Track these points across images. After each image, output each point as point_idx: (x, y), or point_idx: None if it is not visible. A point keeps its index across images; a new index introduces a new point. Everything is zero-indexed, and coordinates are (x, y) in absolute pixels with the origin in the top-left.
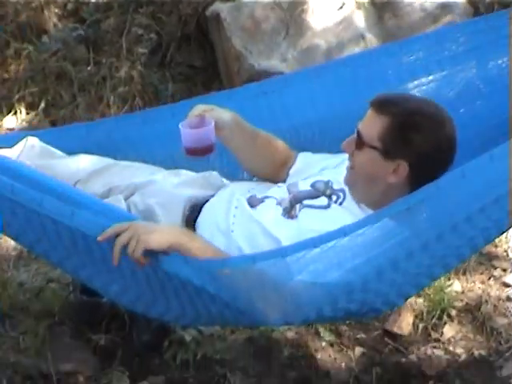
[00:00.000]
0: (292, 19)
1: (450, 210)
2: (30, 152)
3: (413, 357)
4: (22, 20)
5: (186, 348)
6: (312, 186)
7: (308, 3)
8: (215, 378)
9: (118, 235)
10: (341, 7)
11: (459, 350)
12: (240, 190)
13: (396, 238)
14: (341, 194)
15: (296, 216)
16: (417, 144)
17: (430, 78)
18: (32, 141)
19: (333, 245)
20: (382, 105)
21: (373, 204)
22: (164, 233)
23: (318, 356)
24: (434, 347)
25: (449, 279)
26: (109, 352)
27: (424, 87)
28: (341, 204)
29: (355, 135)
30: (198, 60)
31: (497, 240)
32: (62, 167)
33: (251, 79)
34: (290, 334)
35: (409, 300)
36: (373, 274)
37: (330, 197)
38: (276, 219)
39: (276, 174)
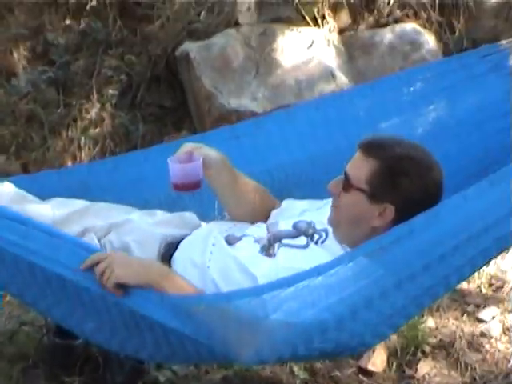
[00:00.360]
0: (262, 58)
1: (424, 250)
2: (3, 197)
3: None
4: None
5: None
6: (294, 226)
7: (277, 41)
8: None
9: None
10: (310, 45)
11: None
12: (218, 229)
13: (370, 277)
14: (323, 234)
15: (274, 255)
16: (405, 189)
17: (403, 118)
18: (7, 187)
19: (307, 284)
20: (370, 148)
21: (355, 245)
22: (139, 269)
23: None
24: None
25: (422, 316)
26: None
27: (397, 127)
28: (322, 243)
29: (342, 176)
30: (168, 100)
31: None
32: (37, 211)
33: (222, 118)
34: (265, 373)
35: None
36: (347, 312)
37: (311, 236)
38: (253, 256)
39: (257, 219)
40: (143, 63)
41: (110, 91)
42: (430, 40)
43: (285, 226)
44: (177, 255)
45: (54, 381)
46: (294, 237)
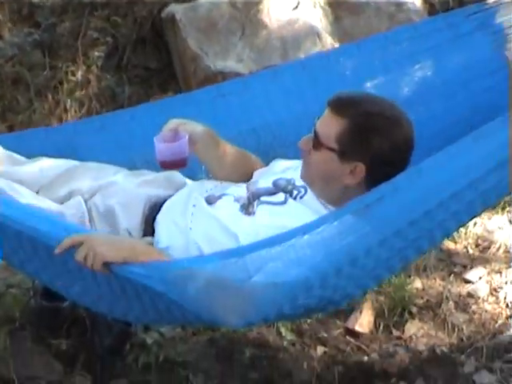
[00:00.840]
0: (247, 19)
1: (408, 207)
2: None
3: (375, 355)
4: None
5: (148, 351)
6: (273, 183)
7: (263, 3)
8: (177, 380)
9: (74, 246)
10: (296, 7)
11: (421, 347)
12: (198, 189)
13: (354, 235)
14: (302, 190)
15: (253, 212)
16: (374, 146)
17: (389, 77)
18: None
19: (292, 243)
20: (339, 106)
21: (332, 201)
22: (118, 247)
23: (280, 356)
24: (396, 345)
25: (409, 276)
26: (71, 357)
27: (383, 87)
28: (301, 198)
29: (312, 134)
30: (154, 62)
31: (456, 236)
32: (25, 173)
33: (207, 80)
34: (252, 335)
35: (370, 298)
36: (332, 270)
37: (290, 192)
38: (233, 215)
39: (241, 180)
40: (129, 25)
41: (96, 53)
42: (415, 1)
43: (264, 183)
44: (160, 217)
45: (40, 343)
46: (272, 194)
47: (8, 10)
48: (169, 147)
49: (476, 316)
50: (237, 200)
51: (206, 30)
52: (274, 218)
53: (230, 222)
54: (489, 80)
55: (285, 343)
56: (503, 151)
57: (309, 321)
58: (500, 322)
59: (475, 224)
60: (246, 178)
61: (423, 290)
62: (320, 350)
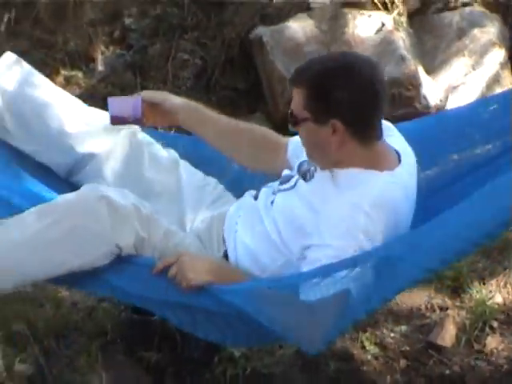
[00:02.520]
0: (333, 41)
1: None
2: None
3: (456, 368)
4: (71, 48)
5: (236, 363)
6: (298, 167)
7: (349, 25)
8: None
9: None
10: (380, 29)
11: (501, 361)
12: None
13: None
14: (312, 169)
15: (273, 202)
16: (339, 99)
17: None
18: None
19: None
20: (295, 78)
21: (337, 164)
22: (203, 272)
23: (364, 369)
24: (477, 358)
25: (490, 292)
26: (161, 369)
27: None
28: (312, 177)
29: (290, 118)
30: (242, 83)
31: None
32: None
33: None
34: (336, 348)
35: (452, 313)
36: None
37: (304, 175)
38: (266, 207)
39: (269, 162)
40: (217, 47)
41: (185, 74)
42: (496, 23)
43: (288, 170)
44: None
45: (132, 356)
46: (286, 181)
47: (101, 33)
48: (117, 102)
49: None
50: (272, 191)
51: (292, 51)
52: (284, 204)
53: (264, 213)
54: None
55: (368, 357)
56: None
57: (392, 335)
58: None
59: None
60: (265, 152)
61: (504, 304)
62: (403, 363)
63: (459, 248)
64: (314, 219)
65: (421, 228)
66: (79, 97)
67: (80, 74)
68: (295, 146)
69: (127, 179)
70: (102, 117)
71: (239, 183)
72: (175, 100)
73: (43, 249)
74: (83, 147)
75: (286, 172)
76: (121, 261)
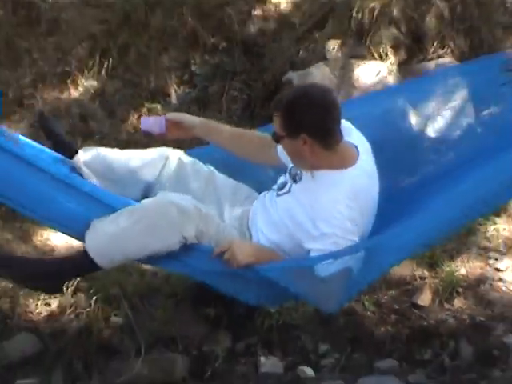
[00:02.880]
0: (342, 83)
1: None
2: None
3: (432, 322)
4: (152, 87)
5: (271, 317)
6: (289, 172)
7: (354, 72)
8: (292, 338)
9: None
10: (377, 74)
11: (465, 316)
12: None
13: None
14: (299, 172)
15: (276, 202)
16: (302, 119)
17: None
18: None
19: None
20: (273, 107)
21: (313, 167)
22: (248, 255)
23: (365, 321)
24: (447, 315)
25: (457, 266)
26: (217, 321)
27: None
28: (300, 179)
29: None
30: None
31: (490, 236)
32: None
33: None
34: (344, 307)
35: (429, 281)
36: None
37: (294, 178)
38: (272, 206)
39: (264, 156)
40: (259, 87)
41: (235, 107)
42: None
43: (282, 177)
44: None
45: (196, 311)
46: (282, 187)
47: (174, 76)
48: (147, 120)
49: (505, 295)
50: (277, 194)
51: None
52: (284, 206)
53: (272, 211)
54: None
55: (368, 313)
56: None
57: (385, 297)
58: None
59: (504, 229)
60: (257, 149)
61: (467, 275)
62: (393, 317)
63: (434, 238)
64: (309, 215)
65: (406, 223)
66: None
67: (159, 107)
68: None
69: (180, 191)
70: (153, 153)
71: (264, 185)
72: (192, 118)
73: (132, 238)
74: (148, 177)
75: (281, 179)
76: (187, 248)
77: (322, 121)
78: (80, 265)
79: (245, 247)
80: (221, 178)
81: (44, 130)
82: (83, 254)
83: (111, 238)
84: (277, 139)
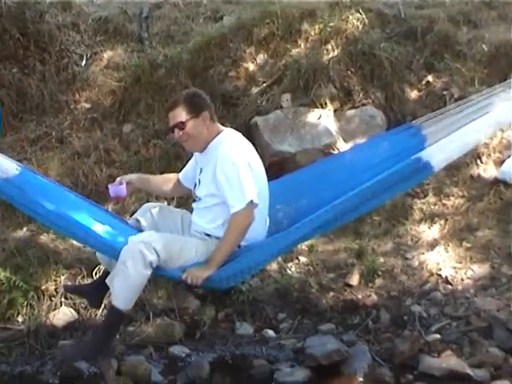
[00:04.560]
0: (294, 125)
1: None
2: None
3: (359, 297)
4: (156, 132)
5: (243, 294)
6: (193, 191)
7: (302, 116)
8: (258, 309)
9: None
10: (319, 118)
11: (383, 292)
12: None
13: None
14: (196, 181)
15: (197, 205)
16: (200, 102)
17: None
18: None
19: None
20: (171, 106)
21: (207, 141)
22: (201, 274)
23: (311, 297)
24: (370, 291)
25: (377, 256)
26: (204, 297)
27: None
28: (199, 184)
29: (176, 129)
30: None
31: (401, 234)
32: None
33: (273, 155)
34: (296, 285)
35: (357, 267)
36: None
37: (195, 188)
38: (196, 209)
39: (175, 191)
40: (234, 128)
41: None
42: (379, 115)
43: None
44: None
45: (189, 291)
46: (195, 201)
47: None
48: (113, 189)
49: (411, 277)
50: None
51: (273, 130)
52: (200, 210)
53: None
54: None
55: (313, 290)
56: None
57: (326, 278)
58: (424, 279)
59: (411, 229)
60: (175, 189)
61: (385, 263)
62: (331, 293)
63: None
64: (221, 192)
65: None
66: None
67: (161, 142)
68: (183, 174)
69: (174, 230)
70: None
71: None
72: (131, 176)
73: (127, 285)
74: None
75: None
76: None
77: (210, 102)
78: (112, 317)
79: (196, 271)
80: (174, 210)
81: (74, 293)
82: (111, 309)
83: (120, 291)
84: (182, 126)
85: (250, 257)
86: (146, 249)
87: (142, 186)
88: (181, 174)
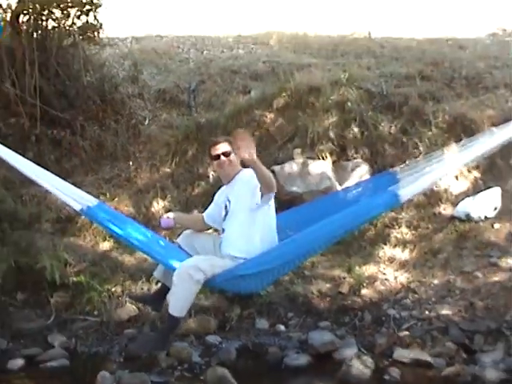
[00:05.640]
0: (303, 173)
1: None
2: None
3: (349, 301)
4: (200, 175)
5: (262, 297)
6: (224, 215)
7: (308, 166)
8: (273, 309)
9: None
10: (321, 168)
11: (366, 299)
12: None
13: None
14: (226, 207)
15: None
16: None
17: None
18: None
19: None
20: (217, 141)
21: (236, 172)
22: (253, 154)
23: (313, 301)
24: (358, 298)
25: (363, 271)
26: (232, 299)
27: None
28: (228, 209)
29: (222, 155)
30: None
31: (381, 256)
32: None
33: (286, 195)
34: (302, 292)
35: (347, 280)
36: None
37: (226, 211)
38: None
39: (201, 227)
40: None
41: None
42: (366, 166)
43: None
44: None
45: (221, 295)
46: (225, 219)
47: (212, 169)
48: (164, 221)
49: (387, 287)
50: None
51: (286, 176)
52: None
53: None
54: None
55: (314, 296)
56: None
57: (324, 287)
58: (397, 290)
59: (388, 251)
60: (201, 226)
61: (369, 276)
62: (328, 298)
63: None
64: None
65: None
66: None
67: (203, 183)
68: (207, 215)
69: (208, 250)
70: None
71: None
72: (172, 213)
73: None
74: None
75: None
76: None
77: None
78: (170, 323)
79: (251, 151)
80: (206, 234)
81: (139, 301)
82: (169, 316)
83: (176, 303)
84: (227, 154)
85: (268, 256)
86: (194, 271)
87: (178, 222)
88: (205, 215)
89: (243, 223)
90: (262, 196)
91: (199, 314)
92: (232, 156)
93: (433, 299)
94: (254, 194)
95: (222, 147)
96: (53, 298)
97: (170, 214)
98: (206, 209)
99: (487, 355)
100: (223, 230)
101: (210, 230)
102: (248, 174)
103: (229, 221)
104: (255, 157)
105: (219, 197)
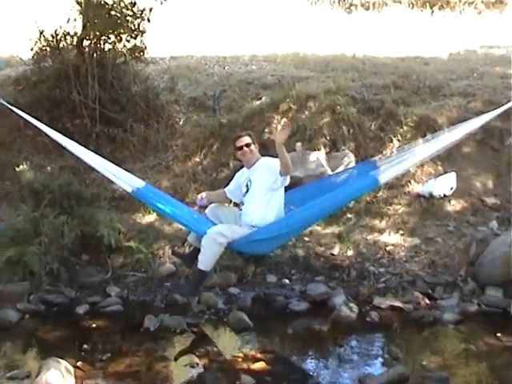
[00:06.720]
0: (303, 161)
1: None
2: None
3: (339, 261)
4: (223, 163)
5: (270, 257)
6: (245, 188)
7: (307, 156)
8: (279, 267)
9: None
10: (317, 157)
11: (353, 259)
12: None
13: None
14: (247, 184)
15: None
16: (254, 138)
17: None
18: None
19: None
20: (242, 135)
21: (256, 159)
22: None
23: (310, 261)
24: (345, 258)
25: (349, 237)
26: (248, 259)
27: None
28: (250, 185)
29: (244, 147)
30: None
31: (364, 224)
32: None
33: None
34: (302, 253)
35: (338, 244)
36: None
37: (247, 188)
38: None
39: (225, 200)
40: None
41: None
42: (352, 156)
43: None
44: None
45: (239, 255)
46: (245, 193)
47: (232, 159)
48: (199, 201)
49: (369, 250)
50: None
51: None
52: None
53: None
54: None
55: (312, 257)
56: None
57: (318, 249)
58: (376, 251)
59: (369, 222)
60: (224, 199)
61: (354, 242)
62: (322, 259)
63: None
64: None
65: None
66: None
67: (225, 170)
68: (229, 190)
69: (230, 220)
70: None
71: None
72: (203, 193)
73: (209, 256)
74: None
75: (242, 193)
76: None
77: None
78: (199, 276)
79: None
80: (229, 207)
81: (178, 257)
82: (199, 270)
83: (204, 259)
84: (249, 145)
85: (276, 225)
86: (218, 236)
87: (208, 199)
88: (227, 191)
89: (262, 200)
90: (281, 175)
91: (222, 270)
92: (252, 146)
93: (404, 259)
94: (276, 178)
95: (245, 140)
96: (110, 258)
97: (203, 194)
98: (226, 186)
99: (445, 302)
100: (242, 203)
101: (231, 204)
102: (267, 161)
103: (249, 197)
104: (282, 142)
105: (240, 177)
